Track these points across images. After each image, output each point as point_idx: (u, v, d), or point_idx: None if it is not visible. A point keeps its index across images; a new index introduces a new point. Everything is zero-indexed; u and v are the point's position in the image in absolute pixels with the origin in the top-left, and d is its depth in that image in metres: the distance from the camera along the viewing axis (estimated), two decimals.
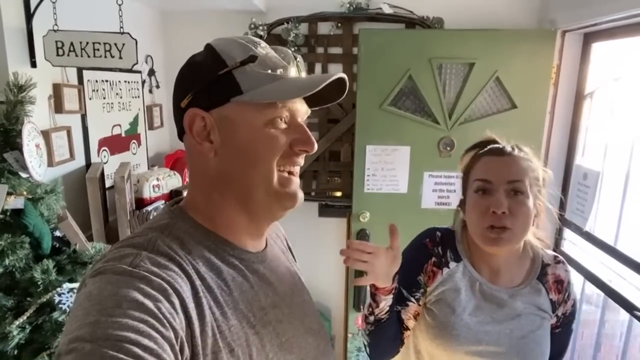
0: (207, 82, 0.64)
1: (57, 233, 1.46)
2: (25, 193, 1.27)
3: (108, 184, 1.98)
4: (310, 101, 0.70)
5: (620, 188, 1.97)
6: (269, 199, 0.67)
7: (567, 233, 2.36)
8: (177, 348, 0.52)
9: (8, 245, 1.20)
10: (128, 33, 1.53)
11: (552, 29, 2.21)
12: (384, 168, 2.37)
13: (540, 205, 1.07)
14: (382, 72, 2.27)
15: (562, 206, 2.39)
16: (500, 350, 1.04)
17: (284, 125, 0.66)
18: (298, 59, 0.69)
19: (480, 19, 2.36)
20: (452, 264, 1.11)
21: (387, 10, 2.34)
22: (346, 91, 0.71)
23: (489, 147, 1.10)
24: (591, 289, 2.19)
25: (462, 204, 1.13)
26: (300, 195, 0.70)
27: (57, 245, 1.41)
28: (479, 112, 2.35)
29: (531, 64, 2.22)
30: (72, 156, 1.77)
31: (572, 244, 2.31)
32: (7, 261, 1.20)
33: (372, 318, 1.08)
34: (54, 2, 1.49)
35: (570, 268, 1.14)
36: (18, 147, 1.28)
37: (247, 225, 0.70)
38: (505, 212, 0.99)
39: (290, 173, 0.68)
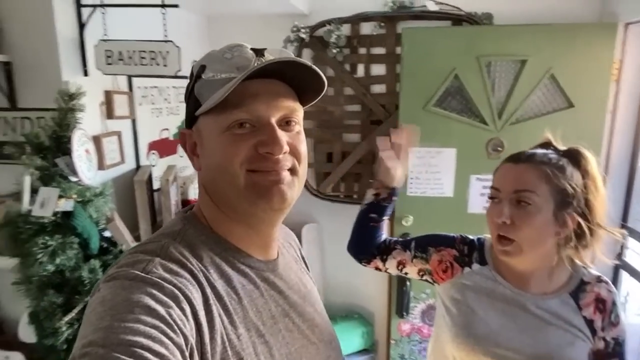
0: (186, 101, 0.67)
1: (107, 234, 1.54)
2: (74, 196, 1.35)
3: (156, 186, 2.06)
4: (302, 99, 0.68)
5: None
6: (244, 203, 0.64)
7: (631, 242, 2.17)
8: (187, 354, 0.52)
9: (59, 245, 1.28)
10: (171, 41, 1.57)
11: (613, 21, 2.04)
12: (428, 171, 2.30)
13: (568, 222, 0.98)
14: (426, 71, 2.20)
15: (625, 214, 2.21)
16: (521, 358, 1.00)
17: (245, 130, 0.62)
18: (259, 55, 0.63)
19: (532, 13, 2.22)
20: (476, 266, 1.12)
21: (432, 7, 2.26)
22: (321, 76, 0.63)
23: (516, 153, 1.06)
24: None
25: None
26: (281, 192, 0.63)
27: (105, 245, 1.49)
28: (531, 111, 2.21)
29: (590, 60, 2.06)
30: (122, 160, 1.86)
31: (637, 254, 2.13)
32: (58, 260, 1.28)
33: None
34: (103, 13, 1.56)
35: (615, 290, 1.05)
36: (69, 153, 1.36)
37: (247, 233, 0.68)
38: (505, 221, 0.97)
39: (265, 172, 0.63)
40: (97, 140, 1.67)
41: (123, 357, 0.45)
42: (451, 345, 1.09)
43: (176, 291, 0.55)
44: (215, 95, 0.60)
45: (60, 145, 1.36)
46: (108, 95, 1.76)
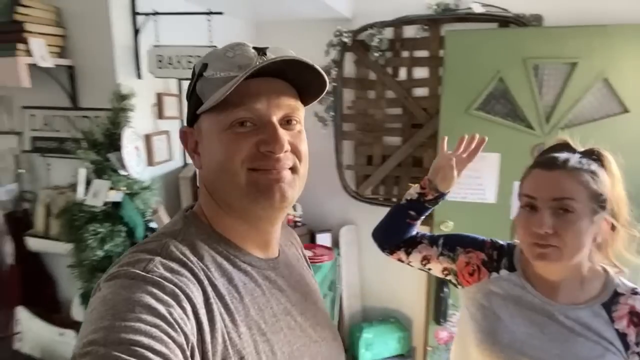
0: (188, 99, 0.69)
1: (152, 224, 1.66)
2: (123, 188, 1.46)
3: None
4: (303, 96, 0.68)
5: None
6: (244, 201, 0.64)
7: None
8: (188, 353, 0.52)
9: (108, 232, 1.40)
10: (215, 46, 1.66)
11: None
12: (469, 176, 2.22)
13: (605, 227, 0.95)
14: (469, 74, 2.17)
15: None
16: None
17: (247, 129, 0.63)
18: (261, 54, 0.63)
19: (584, 14, 2.12)
20: (504, 272, 1.09)
21: (478, 9, 2.22)
22: (322, 75, 0.64)
23: (544, 157, 1.02)
24: None
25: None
26: (281, 191, 0.63)
27: (150, 235, 1.60)
28: (582, 116, 2.12)
29: None
30: (170, 157, 1.98)
31: None
32: (106, 246, 1.40)
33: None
34: (155, 21, 1.69)
35: None
36: (120, 149, 1.48)
37: (248, 231, 0.69)
38: (548, 232, 0.93)
39: (266, 171, 0.63)
40: (148, 138, 1.79)
41: (124, 356, 0.46)
42: (476, 350, 1.07)
43: (177, 290, 0.55)
44: (216, 93, 0.60)
45: (112, 141, 1.49)
46: (159, 97, 1.89)
